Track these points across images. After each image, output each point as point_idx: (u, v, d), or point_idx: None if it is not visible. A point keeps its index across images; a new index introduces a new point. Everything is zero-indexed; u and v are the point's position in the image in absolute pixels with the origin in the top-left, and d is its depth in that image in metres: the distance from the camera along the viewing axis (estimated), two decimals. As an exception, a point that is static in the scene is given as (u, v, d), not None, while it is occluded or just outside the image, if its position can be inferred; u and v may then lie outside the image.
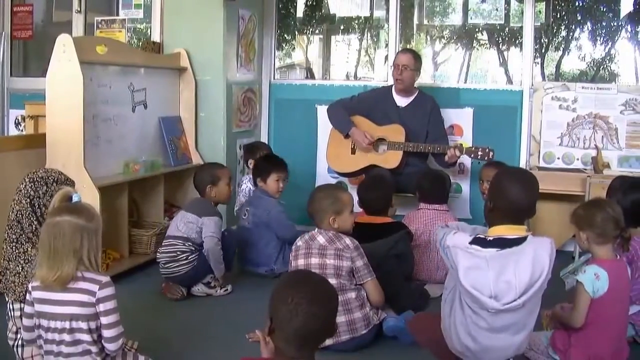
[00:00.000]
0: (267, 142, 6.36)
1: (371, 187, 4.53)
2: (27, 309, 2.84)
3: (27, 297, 2.83)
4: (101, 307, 2.76)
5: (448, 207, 4.91)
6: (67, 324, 2.74)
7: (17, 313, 3.07)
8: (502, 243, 2.86)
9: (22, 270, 3.07)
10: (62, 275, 2.71)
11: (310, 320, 2.10)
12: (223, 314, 4.22)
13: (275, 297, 2.17)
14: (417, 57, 5.51)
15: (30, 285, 2.82)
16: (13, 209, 3.13)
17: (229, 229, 4.94)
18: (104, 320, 2.78)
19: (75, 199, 3.00)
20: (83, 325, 2.75)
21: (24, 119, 5.94)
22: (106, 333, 2.79)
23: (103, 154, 4.82)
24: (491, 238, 2.89)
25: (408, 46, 6.86)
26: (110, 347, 2.81)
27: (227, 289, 4.57)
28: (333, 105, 5.64)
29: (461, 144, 5.59)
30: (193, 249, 4.44)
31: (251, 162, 5.59)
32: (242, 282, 4.78)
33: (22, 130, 6.28)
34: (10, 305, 3.12)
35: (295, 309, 2.09)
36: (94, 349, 2.79)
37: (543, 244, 2.87)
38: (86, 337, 2.76)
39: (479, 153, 5.18)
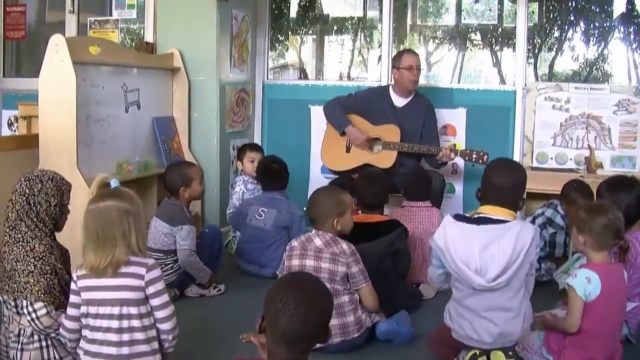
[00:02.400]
0: (260, 143, 6.37)
1: (371, 181, 4.53)
2: (73, 298, 2.82)
3: (73, 286, 2.81)
4: (151, 289, 2.77)
5: (431, 204, 4.90)
6: (116, 310, 2.74)
7: (42, 312, 2.95)
8: (486, 221, 3.08)
9: (34, 268, 2.98)
10: (113, 261, 2.72)
11: (297, 322, 2.08)
12: (216, 314, 4.22)
13: (268, 295, 2.17)
14: None
15: (75, 275, 2.80)
16: (13, 208, 3.07)
17: (210, 226, 4.90)
18: (155, 301, 2.79)
19: (113, 184, 3.01)
20: (133, 310, 2.75)
21: (16, 119, 5.92)
22: (159, 314, 2.81)
23: (96, 154, 4.81)
24: (476, 216, 3.13)
25: (402, 47, 6.86)
26: (165, 326, 2.82)
27: (220, 289, 4.57)
28: (330, 102, 5.63)
29: (454, 145, 5.60)
30: (177, 258, 4.40)
31: (239, 164, 5.67)
32: (235, 282, 4.78)
33: (14, 131, 6.27)
34: (18, 305, 3.00)
35: (283, 309, 2.08)
36: (142, 335, 2.78)
37: (528, 226, 3.10)
38: (137, 323, 2.76)
39: (474, 156, 5.16)
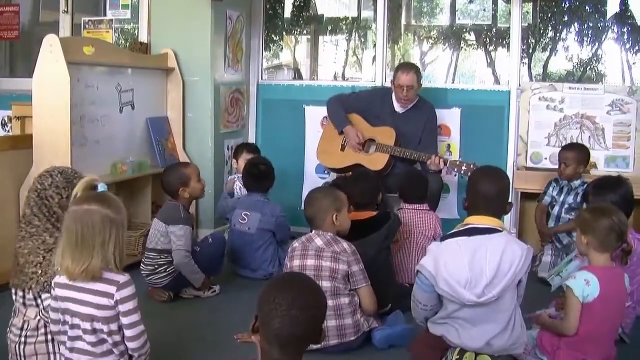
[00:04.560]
0: (254, 143, 6.37)
1: (356, 180, 4.53)
2: (53, 303, 2.79)
3: (52, 292, 2.78)
4: (121, 308, 2.71)
5: (428, 207, 4.88)
6: (88, 325, 2.70)
7: (47, 302, 2.95)
8: (472, 231, 3.06)
9: (43, 260, 2.98)
10: (89, 269, 2.64)
11: (289, 323, 2.08)
12: (211, 315, 4.21)
13: (261, 296, 2.17)
14: (418, 72, 5.43)
15: (53, 282, 2.77)
16: (28, 204, 3.08)
17: (214, 234, 4.89)
18: (124, 320, 2.72)
19: (100, 188, 2.95)
20: (104, 327, 2.70)
21: (10, 119, 5.92)
22: (127, 332, 2.74)
23: (90, 154, 4.80)
24: (462, 228, 3.11)
25: (396, 47, 6.86)
26: (132, 345, 2.76)
27: (214, 290, 4.56)
28: (333, 99, 5.64)
29: (449, 145, 5.57)
30: (171, 259, 4.36)
31: (234, 162, 5.67)
32: (230, 283, 4.78)
33: (8, 131, 6.26)
34: (25, 296, 3.01)
35: (276, 309, 2.09)
36: (116, 350, 2.75)
37: (520, 243, 3.08)
38: (107, 338, 2.72)
39: (463, 168, 5.07)
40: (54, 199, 3.06)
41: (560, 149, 5.19)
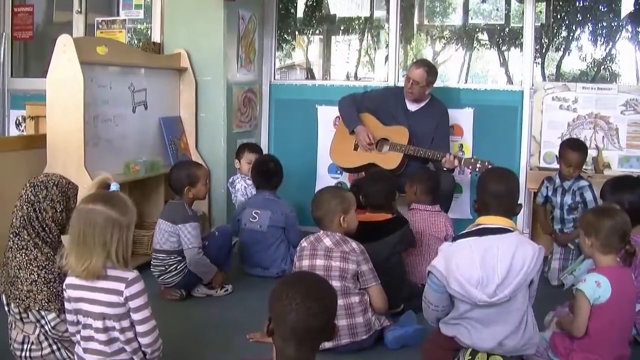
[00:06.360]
0: (267, 143, 6.39)
1: (373, 181, 4.51)
2: (67, 305, 2.80)
3: (64, 294, 2.79)
4: (131, 304, 2.72)
5: (440, 208, 4.86)
6: (100, 324, 2.71)
7: (55, 322, 2.97)
8: (484, 231, 3.08)
9: (38, 277, 2.95)
10: (90, 267, 2.66)
11: (305, 315, 2.10)
12: (223, 314, 4.22)
13: (272, 296, 2.19)
14: (430, 71, 5.41)
15: (65, 284, 2.78)
16: (16, 215, 3.03)
17: (220, 228, 4.88)
18: (136, 316, 2.74)
19: (113, 187, 2.96)
20: (115, 325, 2.72)
21: (24, 119, 5.94)
22: (139, 328, 2.76)
23: (103, 154, 4.82)
24: (474, 229, 3.13)
25: (408, 47, 6.84)
26: (144, 340, 2.77)
27: (227, 289, 4.57)
28: (345, 99, 5.64)
29: (462, 145, 5.56)
30: (180, 258, 4.38)
31: (237, 163, 5.63)
32: (242, 282, 4.78)
33: (22, 131, 6.29)
34: (22, 313, 3.00)
35: (290, 304, 2.10)
36: (128, 347, 2.76)
37: (532, 243, 3.09)
38: (120, 336, 2.73)
39: (478, 165, 5.03)
40: (47, 212, 3.03)
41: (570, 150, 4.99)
